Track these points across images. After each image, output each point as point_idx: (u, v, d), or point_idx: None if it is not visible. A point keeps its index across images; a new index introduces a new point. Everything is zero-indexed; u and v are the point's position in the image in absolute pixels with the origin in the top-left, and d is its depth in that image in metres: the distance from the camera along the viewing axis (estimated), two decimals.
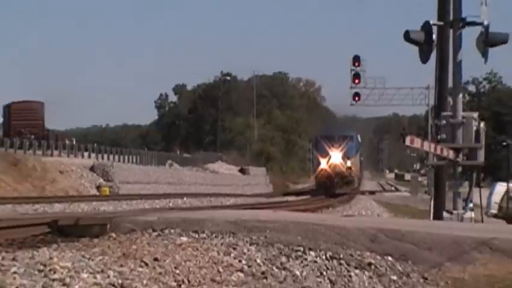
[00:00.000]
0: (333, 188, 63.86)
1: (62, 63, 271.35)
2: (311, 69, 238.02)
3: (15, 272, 6.98)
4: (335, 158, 66.69)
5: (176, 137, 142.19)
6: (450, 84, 26.14)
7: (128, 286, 7.15)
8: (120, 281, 7.22)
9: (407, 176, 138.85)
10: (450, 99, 26.26)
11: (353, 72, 54.46)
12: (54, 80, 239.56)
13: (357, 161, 71.52)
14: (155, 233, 10.04)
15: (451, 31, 25.43)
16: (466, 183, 26.73)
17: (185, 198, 43.08)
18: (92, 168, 57.11)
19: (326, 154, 67.27)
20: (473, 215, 26.12)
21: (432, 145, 25.49)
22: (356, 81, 55.61)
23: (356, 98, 58.95)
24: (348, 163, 67.20)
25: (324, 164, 67.00)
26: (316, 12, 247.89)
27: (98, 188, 53.18)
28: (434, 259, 9.47)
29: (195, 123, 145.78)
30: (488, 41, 24.93)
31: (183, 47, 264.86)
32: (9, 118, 66.68)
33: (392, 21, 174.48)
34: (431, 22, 25.63)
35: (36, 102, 69.07)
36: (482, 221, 26.38)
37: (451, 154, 25.51)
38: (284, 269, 8.88)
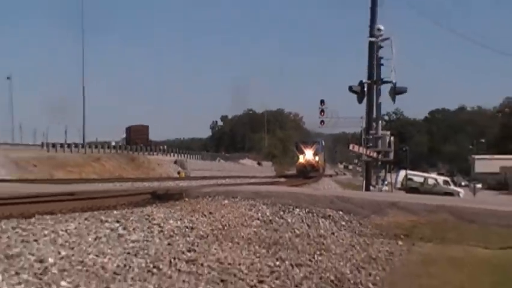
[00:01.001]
0: (307, 173, 62.38)
1: (160, 101, 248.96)
2: (298, 106, 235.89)
3: (132, 220, 7.00)
4: (308, 155, 64.39)
5: (222, 145, 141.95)
6: (374, 115, 26.06)
7: (195, 227, 7.15)
8: (191, 225, 7.22)
9: (351, 167, 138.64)
10: (374, 124, 26.17)
11: (320, 109, 54.05)
12: (155, 108, 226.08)
13: (322, 156, 69.23)
14: (210, 198, 10.02)
15: (375, 86, 25.40)
16: (383, 170, 26.68)
17: (227, 179, 42.85)
18: (175, 162, 57.18)
19: (302, 152, 64.47)
20: (387, 188, 26.04)
21: (364, 149, 25.42)
22: (322, 113, 55.09)
23: (322, 124, 58.55)
24: (317, 158, 64.97)
25: (301, 158, 64.20)
26: (302, 68, 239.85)
27: (179, 173, 53.09)
28: (365, 213, 9.40)
29: (232, 137, 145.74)
30: (395, 92, 24.91)
31: (227, 91, 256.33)
32: (130, 134, 66.74)
33: (343, 76, 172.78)
34: (363, 81, 25.60)
35: (144, 125, 69.30)
36: (392, 191, 26.28)
37: (375, 154, 25.43)
38: (282, 218, 8.83)
